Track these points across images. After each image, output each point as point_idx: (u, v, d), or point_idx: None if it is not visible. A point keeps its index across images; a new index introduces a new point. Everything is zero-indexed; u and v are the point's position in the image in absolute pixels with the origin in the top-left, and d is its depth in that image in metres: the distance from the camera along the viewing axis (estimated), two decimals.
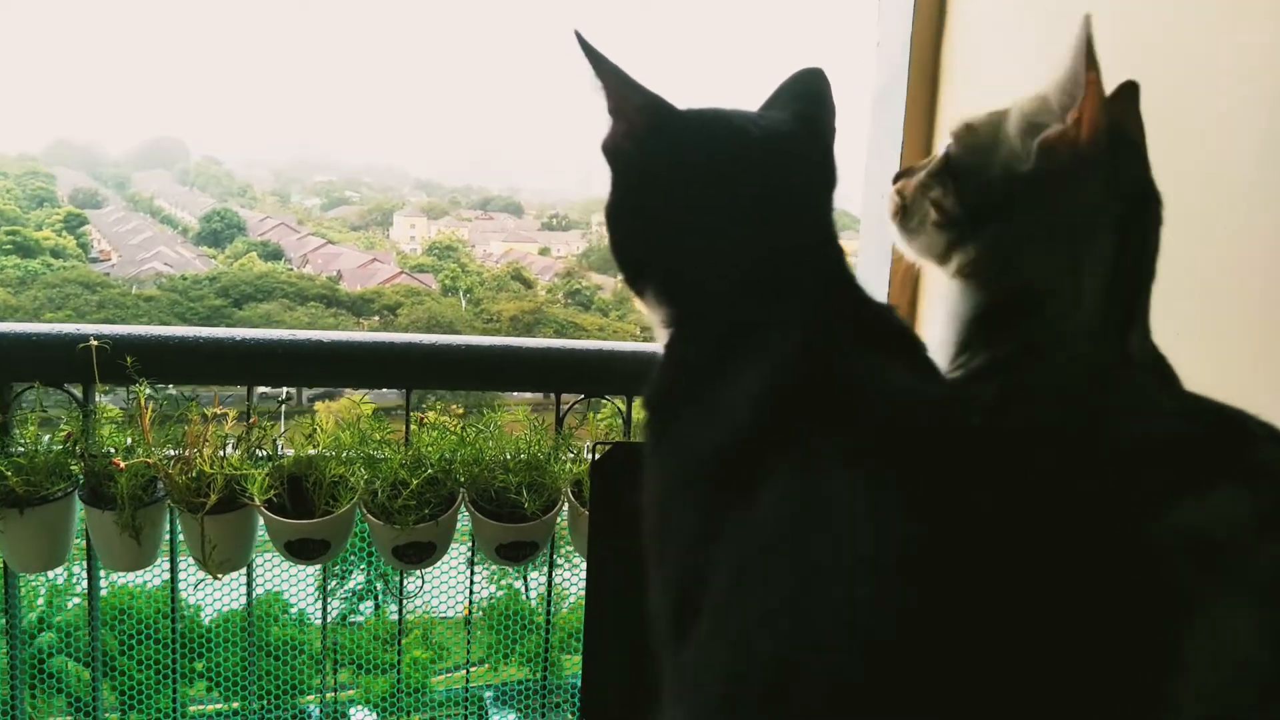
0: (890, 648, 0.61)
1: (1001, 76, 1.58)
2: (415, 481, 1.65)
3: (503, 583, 2.49)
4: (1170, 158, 0.92)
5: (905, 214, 1.00)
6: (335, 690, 2.33)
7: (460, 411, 1.88)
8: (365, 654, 2.57)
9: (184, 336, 1.75)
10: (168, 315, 21.37)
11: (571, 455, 1.80)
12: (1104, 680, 0.62)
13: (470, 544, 1.86)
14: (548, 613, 2.00)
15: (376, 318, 28.05)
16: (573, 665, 2.32)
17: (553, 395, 1.89)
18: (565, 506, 1.76)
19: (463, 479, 1.73)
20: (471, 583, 1.99)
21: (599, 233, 38.29)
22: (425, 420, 1.80)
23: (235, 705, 2.36)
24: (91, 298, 21.77)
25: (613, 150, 0.92)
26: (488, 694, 2.91)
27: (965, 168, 0.94)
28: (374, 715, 2.84)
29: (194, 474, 1.65)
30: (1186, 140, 1.17)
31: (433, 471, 1.68)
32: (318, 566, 1.98)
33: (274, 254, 29.75)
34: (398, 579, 1.90)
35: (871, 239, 1.93)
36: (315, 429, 1.74)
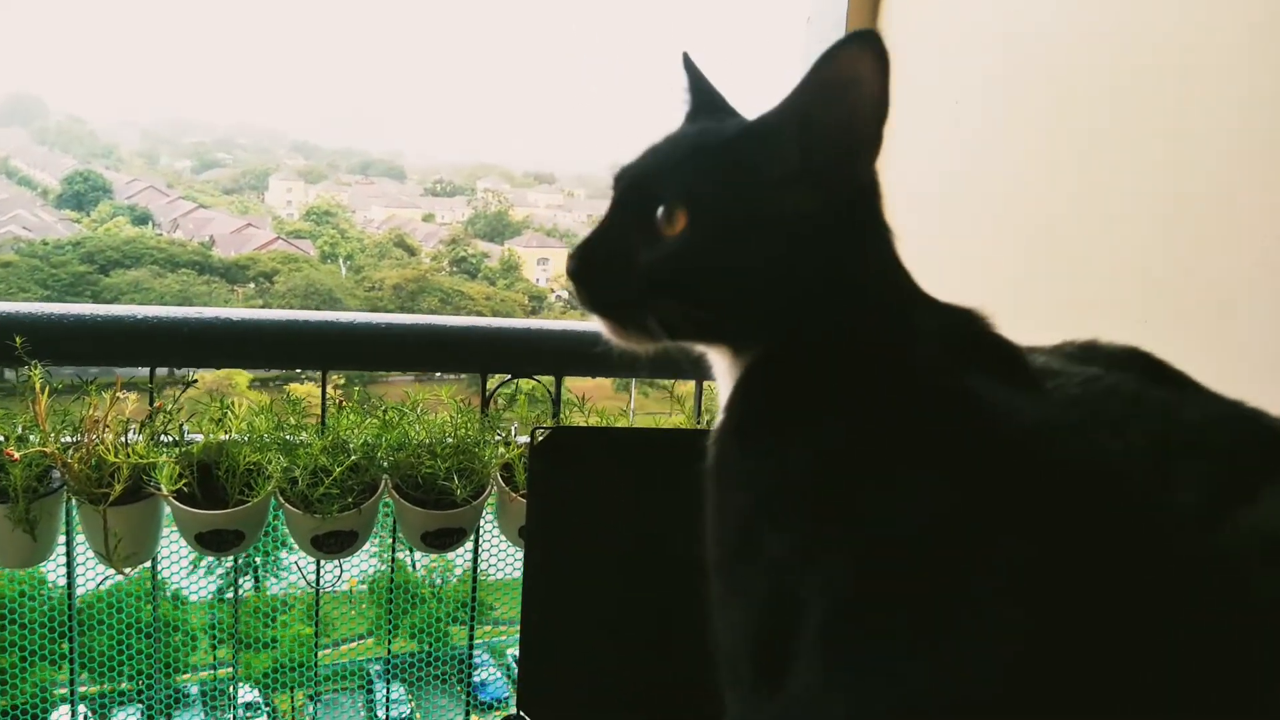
0: (1042, 684, 0.58)
1: (939, 52, 1.57)
2: (338, 469, 1.57)
3: (388, 555, 2.45)
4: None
5: None
6: (234, 667, 2.22)
7: (341, 381, 1.81)
8: (246, 630, 2.49)
9: (80, 315, 1.62)
10: (28, 282, 20.26)
11: (498, 438, 1.74)
12: (1218, 700, 0.60)
13: (393, 529, 1.80)
14: (473, 595, 1.94)
15: (252, 285, 27.20)
16: (461, 636, 2.29)
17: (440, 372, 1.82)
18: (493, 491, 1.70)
19: (386, 465, 1.66)
20: (393, 567, 1.92)
21: (484, 199, 37.83)
22: (344, 403, 1.71)
23: (107, 687, 2.24)
24: None
25: (783, 205, 0.77)
26: (374, 667, 2.87)
27: None
28: (255, 692, 2.75)
29: (94, 462, 1.54)
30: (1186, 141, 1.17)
31: (356, 458, 1.60)
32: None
33: (142, 218, 28.46)
34: (314, 567, 1.81)
35: None
36: (226, 412, 1.64)
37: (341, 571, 1.82)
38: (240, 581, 2.41)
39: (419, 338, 1.76)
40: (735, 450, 0.79)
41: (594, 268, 0.84)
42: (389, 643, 2.09)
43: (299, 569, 1.81)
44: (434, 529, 1.67)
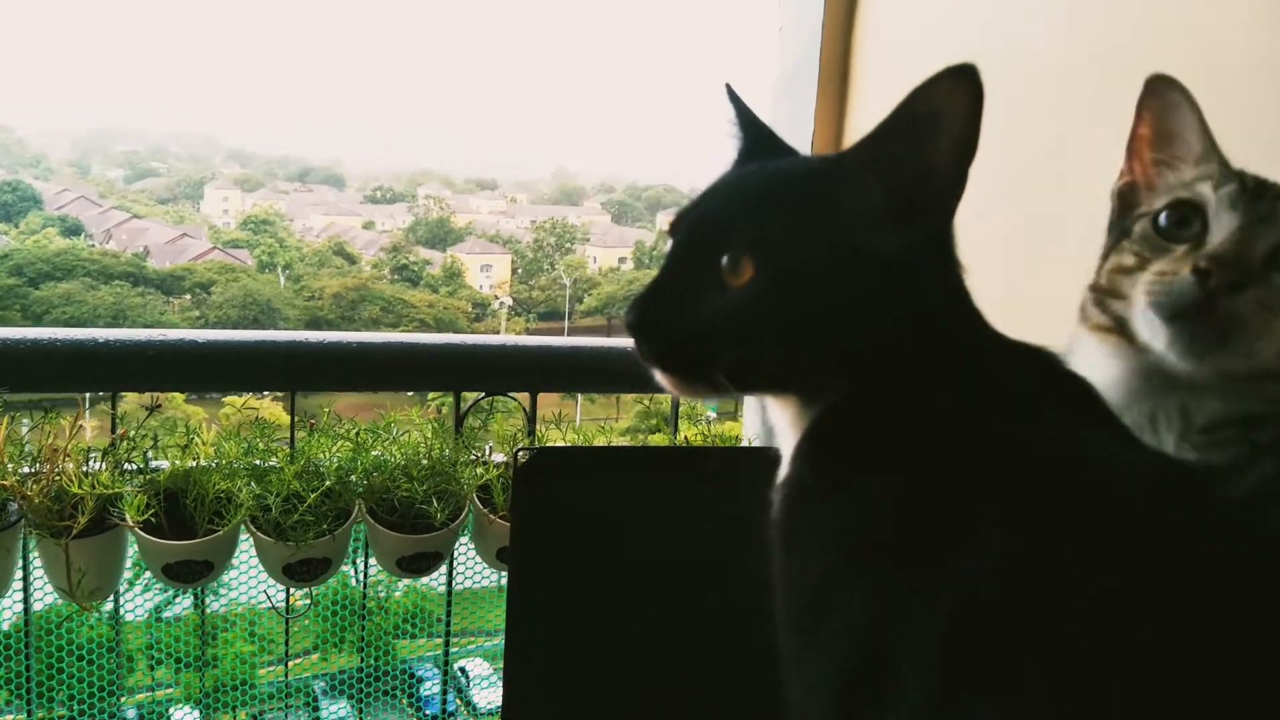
0: None
1: (920, 62, 1.57)
2: (312, 496, 1.53)
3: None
4: None
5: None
6: (204, 694, 2.17)
7: (281, 395, 1.77)
8: (184, 650, 2.44)
9: (38, 339, 1.56)
10: None
11: (474, 458, 1.71)
12: None
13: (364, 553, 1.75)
14: (447, 616, 1.90)
15: (188, 296, 26.78)
16: (405, 649, 2.27)
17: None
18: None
19: (361, 489, 1.61)
20: (365, 593, 1.87)
21: (425, 205, 37.56)
22: (315, 425, 1.67)
23: (40, 714, 2.17)
24: None
25: (861, 249, 0.74)
26: (318, 684, 2.83)
27: None
28: (195, 714, 2.69)
29: (54, 494, 1.48)
30: None
31: (331, 483, 1.55)
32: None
33: (74, 229, 27.82)
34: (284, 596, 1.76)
35: None
36: (193, 438, 1.59)
37: (312, 604, 1.78)
38: (180, 602, 2.36)
39: (391, 356, 1.72)
40: (807, 502, 0.76)
41: (655, 320, 0.79)
42: (374, 656, 2.05)
43: (267, 596, 1.76)
44: (411, 553, 1.63)
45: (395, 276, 31.26)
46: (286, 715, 2.17)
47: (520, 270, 33.52)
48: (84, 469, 1.51)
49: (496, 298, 32.39)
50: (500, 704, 1.50)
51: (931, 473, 0.69)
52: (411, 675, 2.44)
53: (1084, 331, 0.90)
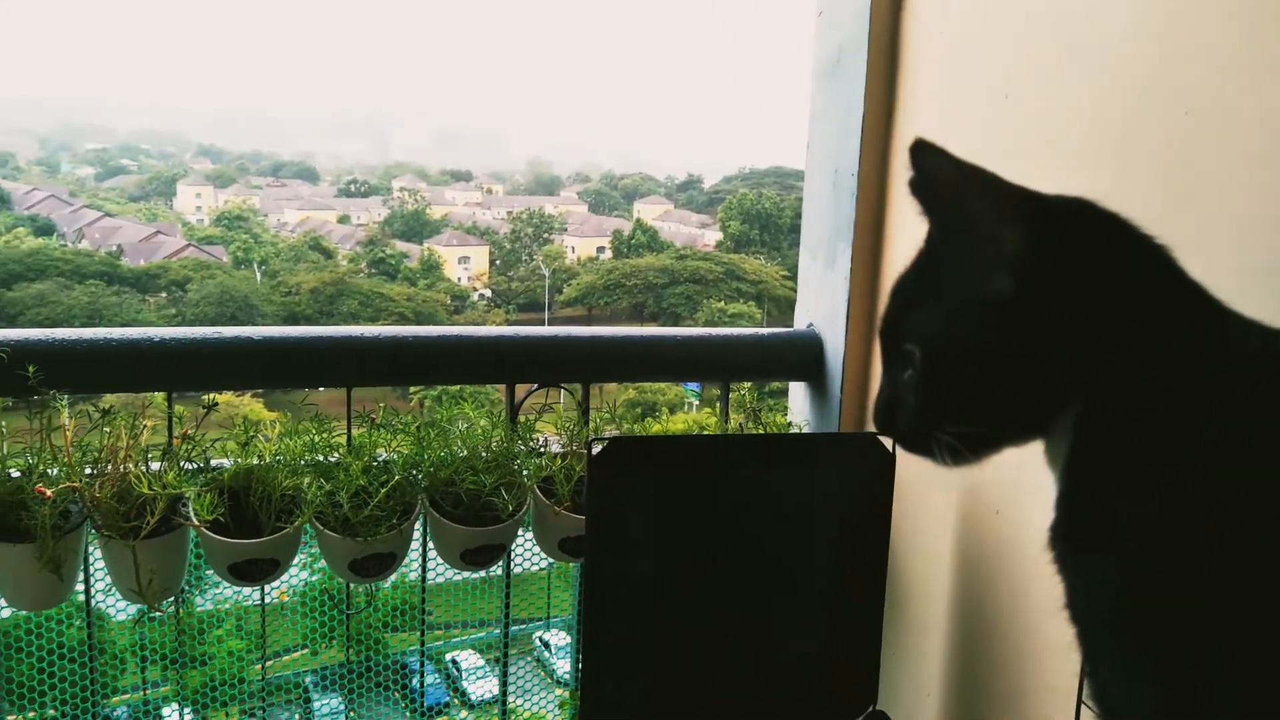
0: None
1: (982, 43, 1.55)
2: (382, 491, 1.52)
3: (317, 566, 2.40)
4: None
5: None
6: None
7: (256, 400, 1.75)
8: (174, 648, 2.44)
9: (94, 339, 1.54)
10: None
11: (532, 448, 1.70)
12: None
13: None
14: (506, 604, 1.89)
15: (164, 294, 26.64)
16: (396, 643, 2.26)
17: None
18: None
19: (425, 483, 1.60)
20: (424, 585, 1.86)
21: (400, 198, 37.44)
22: (376, 420, 1.65)
23: (30, 715, 2.16)
24: None
25: (985, 300, 0.80)
26: (309, 679, 2.82)
27: None
28: (189, 712, 2.68)
29: (116, 494, 1.46)
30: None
31: (399, 478, 1.54)
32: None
33: (45, 229, 27.55)
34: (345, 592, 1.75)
35: (820, 231, 1.88)
36: (253, 436, 1.57)
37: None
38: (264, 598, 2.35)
39: (447, 349, 1.71)
40: (1096, 512, 0.78)
41: (884, 418, 0.89)
42: (426, 650, 2.03)
43: (329, 596, 1.74)
44: (475, 546, 1.62)
45: (372, 270, 31.18)
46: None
47: (498, 261, 33.47)
48: (143, 469, 1.49)
49: (475, 289, 32.33)
50: (573, 681, 1.51)
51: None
52: (403, 667, 2.44)
53: None
